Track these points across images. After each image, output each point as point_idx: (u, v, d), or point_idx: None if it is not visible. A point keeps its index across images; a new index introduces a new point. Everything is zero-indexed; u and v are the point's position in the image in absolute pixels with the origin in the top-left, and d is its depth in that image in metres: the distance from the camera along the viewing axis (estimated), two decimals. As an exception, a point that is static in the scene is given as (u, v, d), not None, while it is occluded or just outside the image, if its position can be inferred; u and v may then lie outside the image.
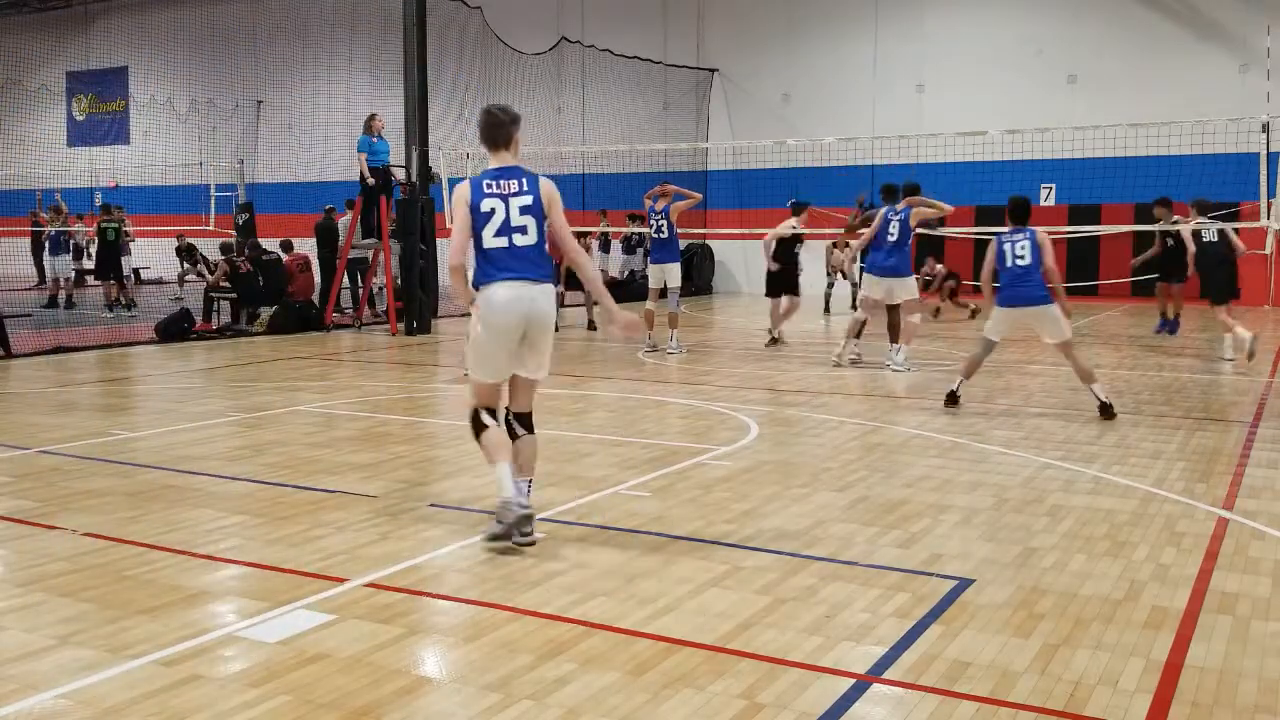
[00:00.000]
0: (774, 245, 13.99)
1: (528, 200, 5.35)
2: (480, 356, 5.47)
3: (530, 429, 5.65)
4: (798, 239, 14.19)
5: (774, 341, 14.23)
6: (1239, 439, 8.15)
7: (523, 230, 5.34)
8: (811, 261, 24.42)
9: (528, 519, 5.38)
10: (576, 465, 7.31)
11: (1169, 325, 15.17)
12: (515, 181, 5.39)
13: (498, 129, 5.48)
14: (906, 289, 11.90)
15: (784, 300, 14.14)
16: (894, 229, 11.78)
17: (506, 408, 5.66)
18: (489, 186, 5.37)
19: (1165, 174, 19.10)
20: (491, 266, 5.35)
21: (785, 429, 8.61)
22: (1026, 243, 9.20)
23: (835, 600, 4.65)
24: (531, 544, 5.38)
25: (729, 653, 4.09)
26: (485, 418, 5.52)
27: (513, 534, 5.37)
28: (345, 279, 17.91)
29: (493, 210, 5.33)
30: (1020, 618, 4.46)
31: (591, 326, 16.73)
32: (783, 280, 14.02)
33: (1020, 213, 9.37)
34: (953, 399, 9.50)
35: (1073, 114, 20.59)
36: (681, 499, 6.37)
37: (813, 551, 5.35)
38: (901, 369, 11.71)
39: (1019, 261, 9.18)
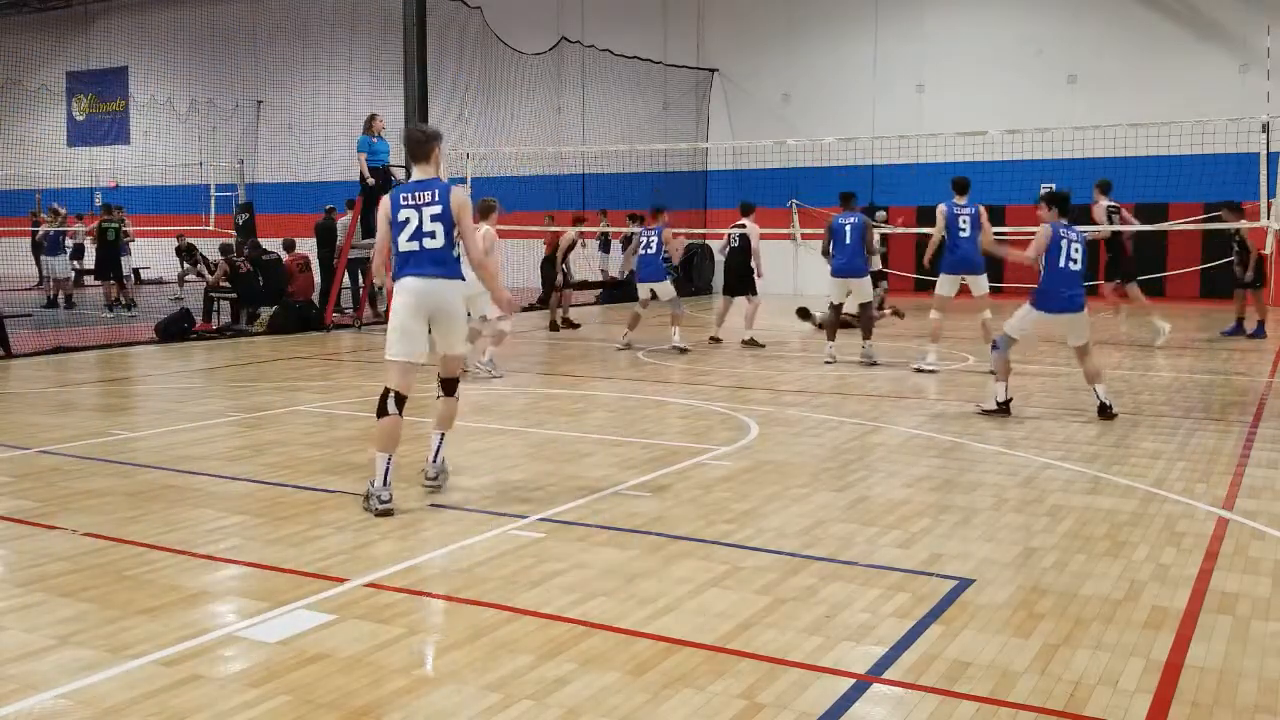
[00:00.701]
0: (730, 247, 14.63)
1: (438, 209, 6.15)
2: (394, 336, 6.25)
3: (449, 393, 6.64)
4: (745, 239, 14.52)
5: (715, 340, 14.65)
6: (1239, 439, 8.14)
7: (432, 235, 6.15)
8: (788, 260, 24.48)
9: (387, 513, 5.98)
10: (576, 465, 7.31)
11: (1239, 329, 14.99)
12: (429, 193, 6.20)
13: (417, 145, 6.33)
14: (864, 289, 12.40)
15: (743, 301, 14.50)
16: (850, 235, 12.30)
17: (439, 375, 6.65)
18: (405, 199, 6.19)
19: (1165, 174, 19.12)
20: (404, 265, 6.18)
21: (785, 429, 8.61)
22: (1080, 245, 8.78)
23: (835, 600, 4.65)
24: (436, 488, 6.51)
25: (729, 653, 4.10)
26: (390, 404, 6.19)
27: (386, 513, 5.99)
28: (346, 278, 17.91)
29: (407, 220, 6.16)
30: (1020, 618, 4.46)
31: (554, 328, 16.82)
32: (740, 281, 14.48)
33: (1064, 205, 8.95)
34: (1005, 408, 9.08)
35: (1073, 114, 20.59)
36: (681, 499, 6.37)
37: (813, 551, 5.35)
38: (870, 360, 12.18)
39: (1072, 265, 8.76)
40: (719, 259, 25.45)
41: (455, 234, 6.20)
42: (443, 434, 6.67)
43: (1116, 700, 3.71)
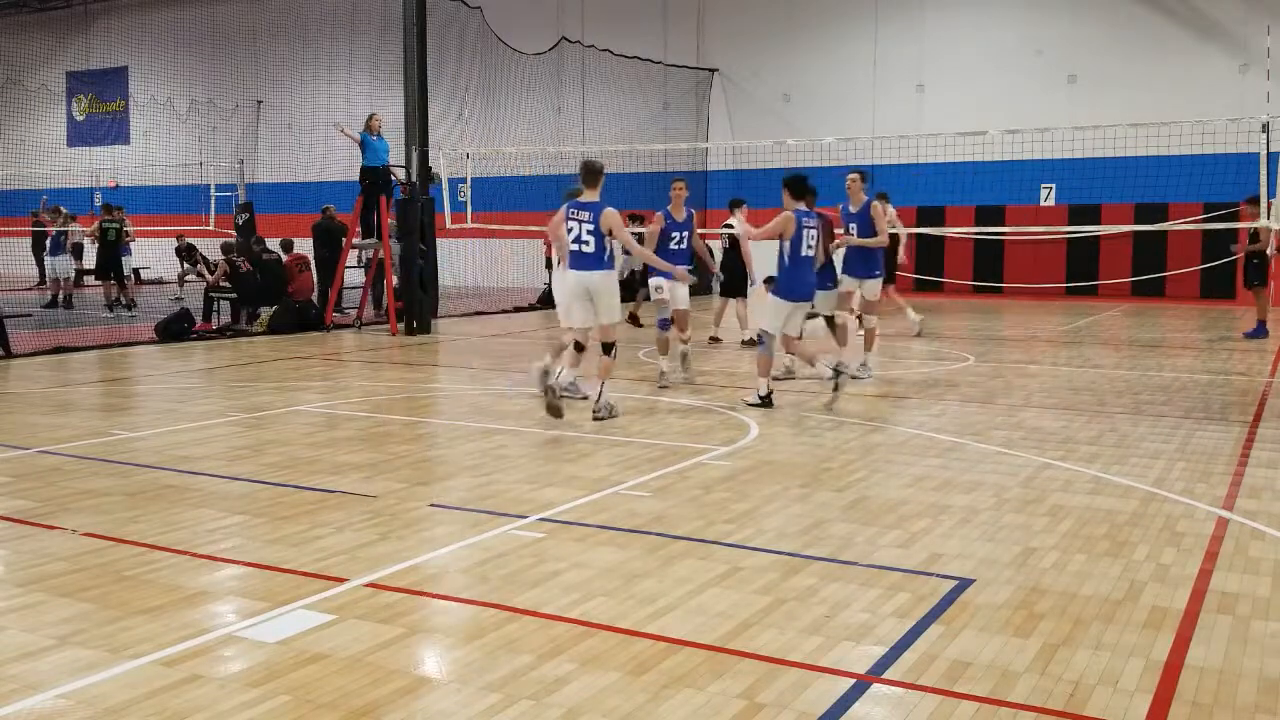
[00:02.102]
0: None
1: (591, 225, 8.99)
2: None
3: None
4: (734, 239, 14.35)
5: (714, 340, 14.63)
6: (1239, 439, 8.15)
7: (586, 242, 8.91)
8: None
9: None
10: (576, 465, 7.31)
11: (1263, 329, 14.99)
12: (587, 212, 8.98)
13: (589, 174, 8.98)
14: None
15: (736, 303, 14.53)
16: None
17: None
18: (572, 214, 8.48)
19: (1165, 174, 19.13)
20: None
21: (785, 429, 8.61)
22: (817, 233, 9.36)
23: (835, 600, 4.65)
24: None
25: (729, 653, 4.09)
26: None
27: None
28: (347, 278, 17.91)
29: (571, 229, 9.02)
30: (1020, 618, 4.46)
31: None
32: (733, 280, 14.46)
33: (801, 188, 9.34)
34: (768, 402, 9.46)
35: (1073, 114, 20.59)
36: (681, 499, 6.37)
37: (813, 551, 5.35)
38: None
39: (811, 253, 9.29)
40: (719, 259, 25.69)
41: (607, 240, 8.79)
42: (603, 381, 8.88)
43: (1116, 700, 3.71)
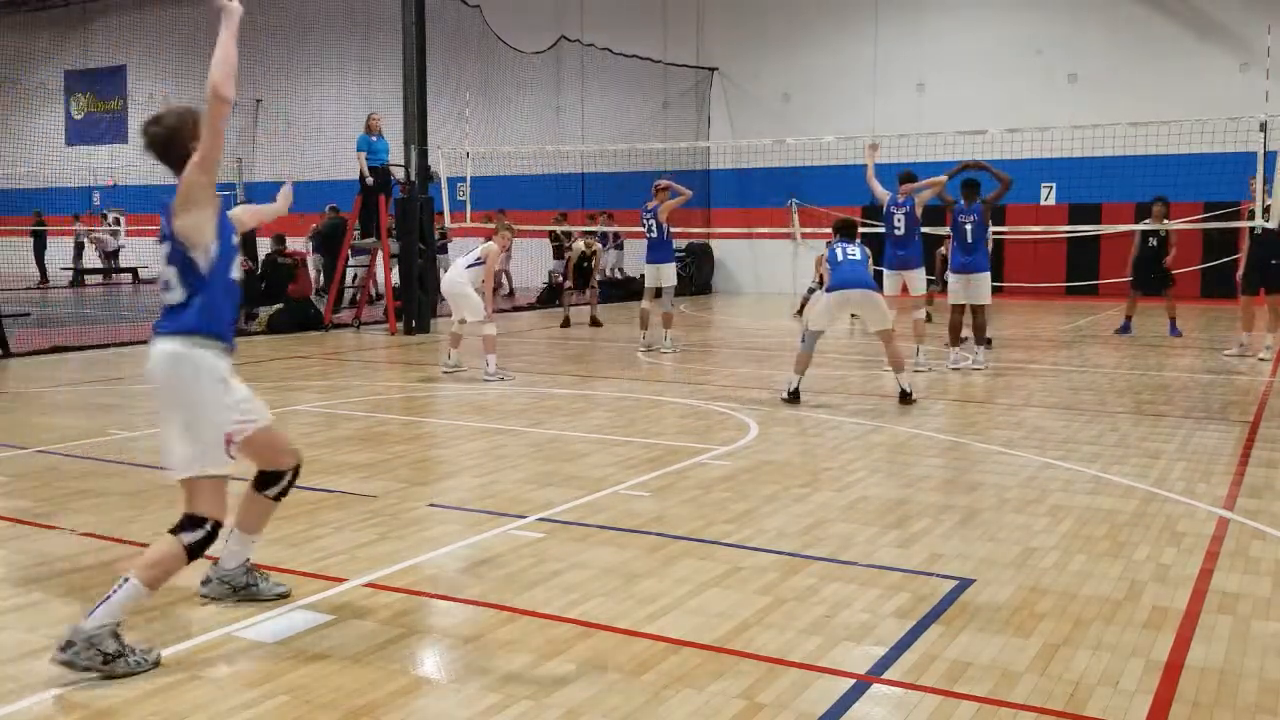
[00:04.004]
0: None
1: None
2: None
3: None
4: None
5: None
6: (1239, 439, 8.14)
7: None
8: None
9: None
10: (576, 465, 7.30)
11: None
12: None
13: None
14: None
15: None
16: (972, 232, 11.98)
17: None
18: None
19: (1165, 174, 19.10)
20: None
21: (785, 429, 8.60)
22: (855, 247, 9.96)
23: (835, 600, 4.65)
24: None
25: (729, 653, 4.09)
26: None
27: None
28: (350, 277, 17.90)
29: None
30: (1020, 618, 4.45)
31: (595, 323, 16.91)
32: None
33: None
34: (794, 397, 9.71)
35: (1073, 113, 20.58)
36: (681, 499, 6.37)
37: (813, 551, 5.34)
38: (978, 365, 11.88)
39: (850, 256, 9.86)
40: (719, 259, 25.69)
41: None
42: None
43: (1117, 700, 3.70)
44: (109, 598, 3.88)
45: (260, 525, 4.65)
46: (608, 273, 23.41)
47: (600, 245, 19.28)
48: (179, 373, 4.25)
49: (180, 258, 4.29)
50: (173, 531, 4.13)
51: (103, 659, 3.81)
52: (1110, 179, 20.60)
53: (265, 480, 4.58)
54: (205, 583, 4.64)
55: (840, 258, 9.95)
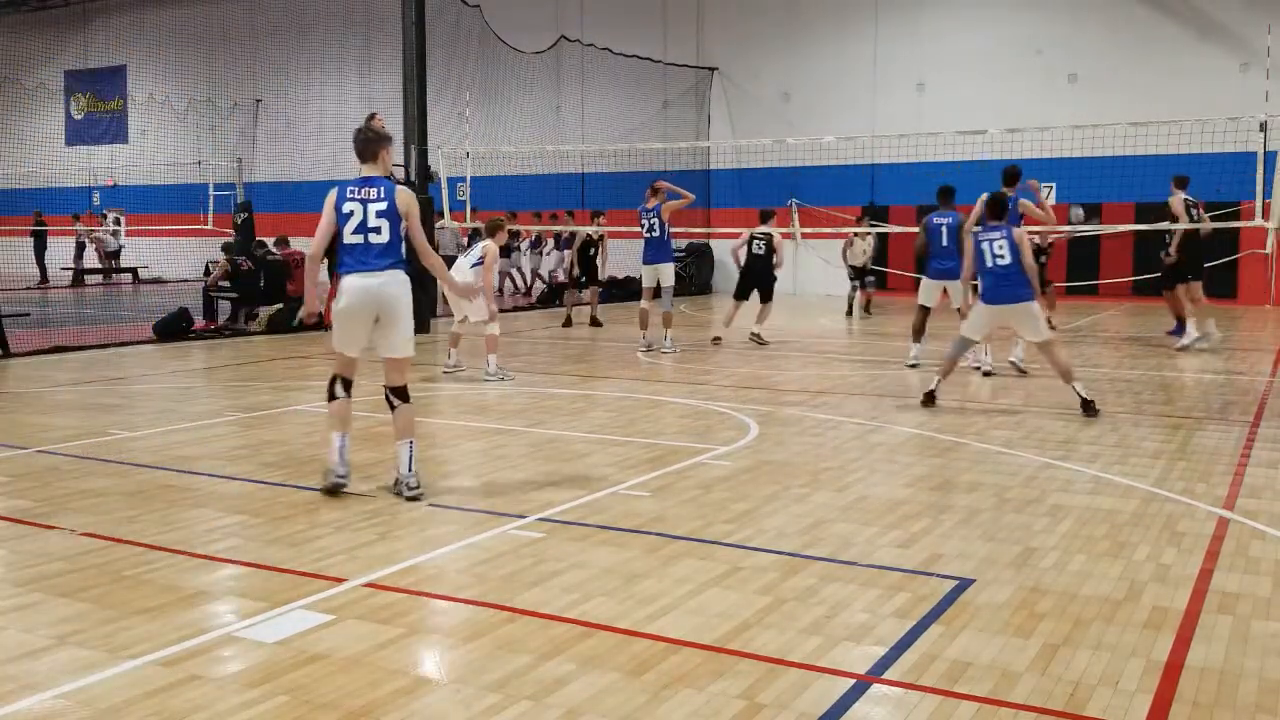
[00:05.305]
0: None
1: (383, 205, 6.44)
2: (338, 332, 6.55)
3: (404, 399, 6.62)
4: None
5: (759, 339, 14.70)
6: (1239, 439, 8.14)
7: (377, 230, 6.44)
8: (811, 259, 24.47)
9: (337, 489, 6.40)
10: (576, 465, 7.30)
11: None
12: (375, 189, 6.49)
13: (366, 145, 6.67)
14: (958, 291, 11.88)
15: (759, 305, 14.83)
16: (947, 236, 11.83)
17: (385, 385, 6.67)
18: (352, 192, 6.48)
19: (1165, 173, 19.09)
20: (349, 258, 6.44)
21: (785, 429, 8.60)
22: (1005, 242, 9.24)
23: (835, 600, 4.65)
24: (415, 499, 6.29)
25: (729, 653, 4.09)
26: (338, 388, 6.58)
27: (334, 489, 6.41)
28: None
29: (352, 212, 6.42)
30: (1020, 618, 4.45)
31: (595, 323, 16.91)
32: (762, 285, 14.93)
33: (997, 209, 9.52)
34: (930, 398, 9.49)
35: (1073, 114, 20.57)
36: (681, 499, 6.36)
37: (813, 551, 5.34)
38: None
39: (999, 261, 9.21)
40: (719, 259, 25.65)
41: (403, 229, 6.59)
42: (411, 440, 6.49)
43: (1117, 700, 3.70)
44: (410, 456, 6.37)
45: None
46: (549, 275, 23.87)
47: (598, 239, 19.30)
48: (410, 289, 6.63)
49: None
50: (402, 401, 6.61)
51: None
52: (1110, 179, 20.59)
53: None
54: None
55: (989, 261, 9.26)
